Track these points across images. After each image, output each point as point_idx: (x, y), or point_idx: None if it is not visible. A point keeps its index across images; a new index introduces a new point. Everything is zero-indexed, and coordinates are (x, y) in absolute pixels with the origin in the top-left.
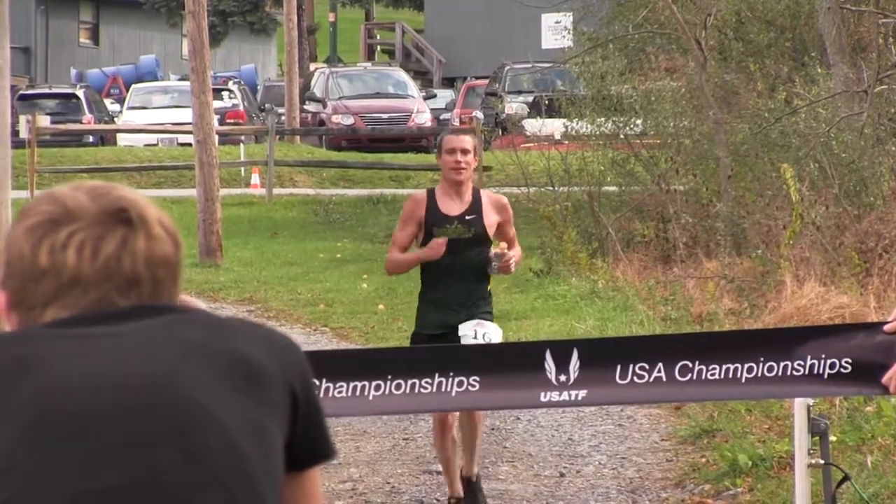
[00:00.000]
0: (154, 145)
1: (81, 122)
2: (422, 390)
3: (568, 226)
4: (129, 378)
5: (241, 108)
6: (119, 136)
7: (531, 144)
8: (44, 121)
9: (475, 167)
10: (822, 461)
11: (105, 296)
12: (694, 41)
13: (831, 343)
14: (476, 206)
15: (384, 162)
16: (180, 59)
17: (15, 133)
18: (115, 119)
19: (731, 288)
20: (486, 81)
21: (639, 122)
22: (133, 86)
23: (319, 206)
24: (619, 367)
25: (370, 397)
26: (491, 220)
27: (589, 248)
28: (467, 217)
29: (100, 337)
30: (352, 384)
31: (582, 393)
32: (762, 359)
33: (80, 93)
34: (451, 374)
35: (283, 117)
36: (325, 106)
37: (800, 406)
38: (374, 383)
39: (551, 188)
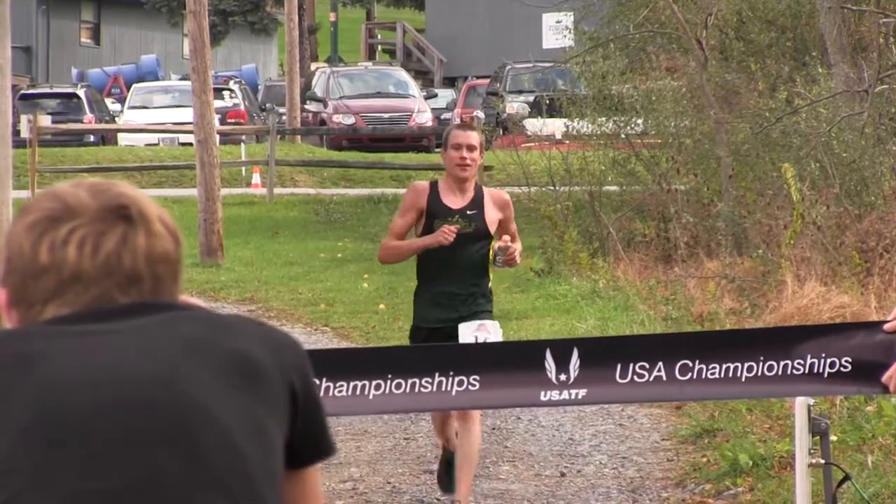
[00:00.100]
0: (155, 145)
1: (82, 122)
2: (422, 389)
3: (569, 225)
4: (130, 376)
5: (242, 107)
6: (120, 135)
7: (532, 144)
8: (45, 120)
9: (480, 164)
10: (822, 461)
11: (105, 292)
12: (695, 41)
13: (831, 342)
14: (478, 201)
15: (385, 161)
16: (181, 58)
17: (16, 133)
18: (116, 119)
19: (731, 287)
20: (487, 81)
21: (640, 121)
22: (134, 85)
23: (320, 206)
24: (619, 367)
25: (370, 396)
26: (492, 216)
27: (590, 247)
28: (469, 212)
29: (100, 334)
30: (352, 383)
31: (582, 392)
32: (762, 358)
33: (81, 92)
34: (452, 373)
35: (283, 117)
36: (326, 105)
37: (800, 406)
38: (374, 382)
39: (552, 188)
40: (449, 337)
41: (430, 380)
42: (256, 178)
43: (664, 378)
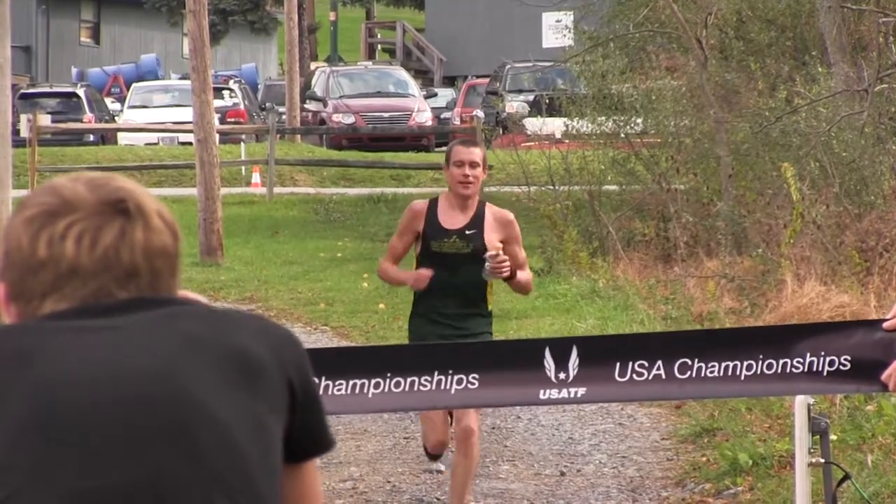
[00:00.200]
0: (155, 144)
1: (82, 121)
2: (421, 388)
3: (568, 225)
4: (129, 373)
5: (242, 107)
6: (120, 135)
7: (532, 143)
8: (45, 120)
9: (483, 179)
10: (822, 460)
11: (103, 287)
12: (694, 40)
13: (830, 340)
14: (478, 220)
15: (385, 161)
16: (181, 57)
17: (16, 132)
18: (116, 118)
19: (731, 287)
20: (487, 80)
21: (639, 121)
22: (134, 85)
23: (320, 205)
24: (618, 365)
25: (369, 395)
26: (492, 236)
27: (589, 247)
28: (467, 232)
29: (98, 330)
30: (351, 382)
31: (581, 390)
32: (761, 356)
33: (80, 92)
34: (451, 371)
35: (283, 116)
36: (325, 105)
37: (800, 405)
38: (373, 381)
39: (552, 187)
40: None
41: (429, 378)
42: (256, 178)
43: (663, 377)
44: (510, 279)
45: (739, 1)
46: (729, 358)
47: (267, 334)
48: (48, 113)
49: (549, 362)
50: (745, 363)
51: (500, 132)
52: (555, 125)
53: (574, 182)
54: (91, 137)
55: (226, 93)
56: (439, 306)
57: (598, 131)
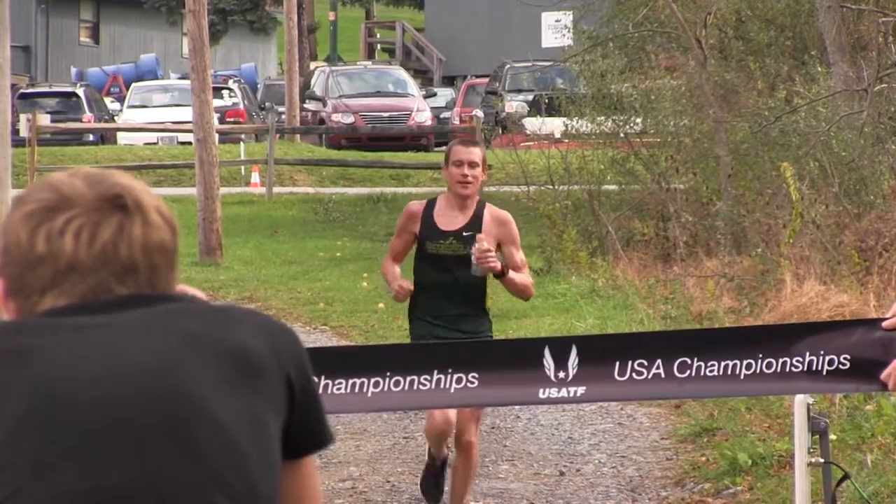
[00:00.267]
0: (154, 144)
1: (82, 121)
2: (421, 387)
3: (568, 224)
4: (128, 372)
5: (241, 106)
6: (119, 134)
7: (531, 143)
8: (44, 119)
9: (483, 179)
10: (821, 460)
11: (102, 282)
12: (694, 40)
13: (830, 339)
14: (476, 222)
15: (384, 160)
16: (180, 57)
17: (15, 132)
18: (116, 118)
19: (730, 286)
20: (487, 80)
21: (639, 120)
22: (133, 84)
23: (319, 205)
24: (617, 364)
25: (369, 394)
26: (491, 238)
27: (589, 246)
28: (465, 233)
29: (97, 328)
30: (350, 381)
31: (581, 390)
32: (761, 355)
33: (80, 91)
34: (450, 370)
35: (283, 116)
36: (325, 104)
37: (800, 404)
38: (372, 380)
39: (551, 187)
40: None
41: (428, 377)
42: (255, 177)
43: (663, 376)
44: (502, 276)
45: (739, 0)
46: (728, 357)
47: (265, 331)
48: (47, 113)
49: (548, 361)
50: (745, 362)
51: (500, 132)
52: (554, 125)
53: (573, 182)
54: (90, 137)
55: (225, 92)
56: (437, 309)
57: (598, 131)
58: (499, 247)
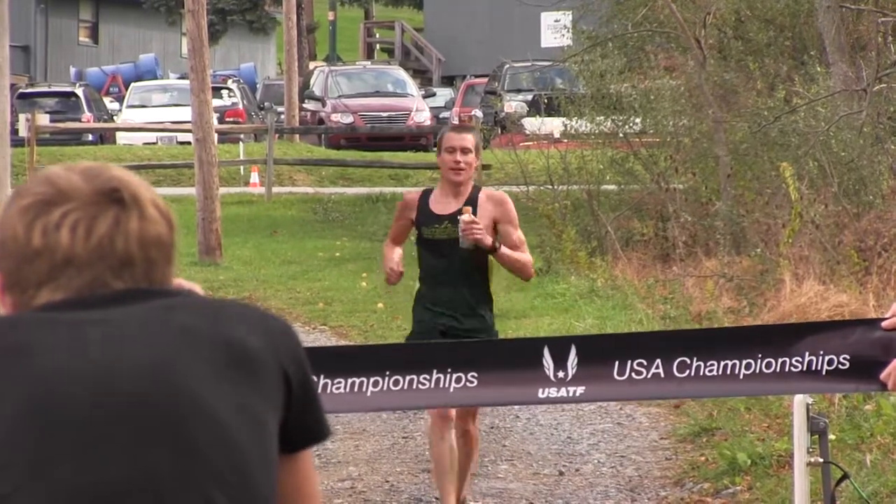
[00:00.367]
0: (153, 144)
1: (81, 121)
2: (420, 386)
3: (567, 224)
4: (125, 369)
5: (241, 106)
6: (118, 134)
7: (530, 143)
8: (43, 119)
9: (476, 166)
10: (821, 459)
11: (98, 276)
12: (693, 40)
13: (829, 339)
14: (471, 204)
15: (383, 160)
16: (179, 57)
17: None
18: (115, 118)
19: (730, 286)
20: (486, 80)
21: (638, 120)
22: (132, 84)
23: (318, 205)
24: (617, 364)
25: (368, 393)
26: (486, 218)
27: (588, 246)
28: (460, 216)
29: (94, 323)
30: (350, 380)
31: (580, 389)
32: (760, 355)
33: (79, 91)
34: (450, 370)
35: (282, 116)
36: (324, 104)
37: (799, 404)
38: (371, 379)
39: (550, 187)
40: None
41: (427, 377)
42: (255, 177)
43: (662, 375)
44: (495, 252)
45: (738, 0)
46: (727, 357)
47: (262, 325)
48: (47, 112)
49: (547, 361)
50: (744, 362)
51: (499, 132)
52: (553, 125)
53: (573, 182)
54: (90, 137)
55: (224, 92)
56: (437, 294)
57: (597, 131)
58: (497, 228)
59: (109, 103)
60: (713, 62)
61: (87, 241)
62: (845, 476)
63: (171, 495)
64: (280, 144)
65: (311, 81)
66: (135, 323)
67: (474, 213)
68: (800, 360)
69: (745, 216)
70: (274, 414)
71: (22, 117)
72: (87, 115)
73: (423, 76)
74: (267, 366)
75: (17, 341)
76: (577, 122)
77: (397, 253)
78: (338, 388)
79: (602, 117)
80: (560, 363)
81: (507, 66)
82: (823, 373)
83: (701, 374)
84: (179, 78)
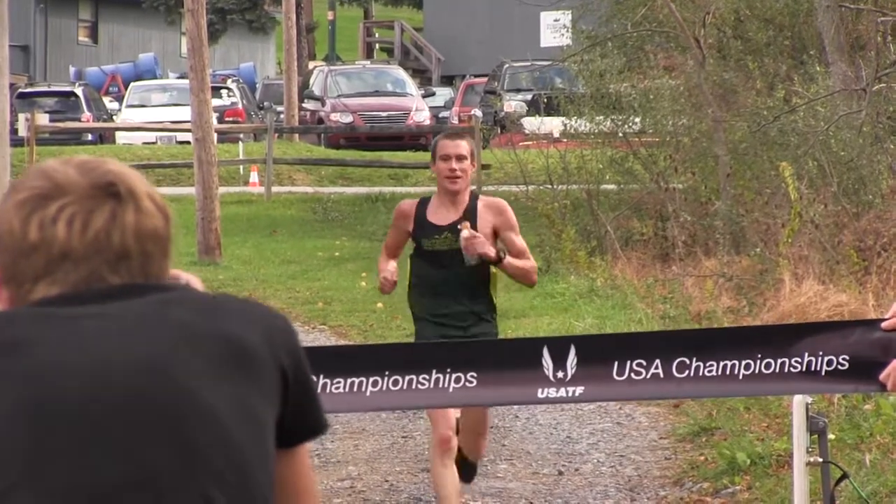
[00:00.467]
0: (153, 143)
1: (80, 121)
2: (419, 386)
3: (567, 224)
4: (121, 365)
5: (240, 106)
6: (118, 134)
7: (530, 142)
8: (42, 119)
9: (473, 173)
10: (820, 459)
11: (95, 270)
12: (692, 39)
13: (829, 340)
14: (470, 213)
15: (383, 160)
16: (179, 57)
17: (14, 131)
18: (114, 117)
19: (729, 286)
20: (485, 79)
21: (637, 120)
22: (132, 84)
23: (318, 205)
24: (616, 364)
25: (367, 393)
26: (486, 227)
27: (588, 246)
28: (459, 226)
29: (90, 318)
30: (349, 380)
31: (579, 389)
32: (759, 356)
33: (78, 91)
34: (449, 370)
35: (281, 115)
36: (323, 104)
37: (798, 404)
38: (371, 379)
39: (550, 186)
40: None
41: (427, 377)
42: (254, 177)
43: (662, 375)
44: (499, 262)
45: (737, 0)
46: (727, 357)
47: (259, 319)
48: (46, 112)
49: (547, 361)
50: (744, 362)
51: (499, 131)
52: (553, 124)
53: (572, 181)
54: (89, 136)
55: (224, 92)
56: (440, 306)
57: (597, 130)
58: (497, 236)
59: (109, 103)
60: (712, 62)
61: (84, 235)
62: (845, 476)
63: (170, 494)
64: (279, 144)
65: (311, 81)
66: (132, 318)
67: (473, 222)
68: (799, 360)
69: (745, 216)
70: (271, 410)
71: (21, 117)
72: (86, 114)
73: (422, 76)
74: (264, 361)
75: (14, 337)
76: (576, 122)
77: (391, 264)
78: (337, 388)
79: (601, 117)
80: (559, 363)
81: (507, 65)
82: (823, 373)
83: (700, 374)
84: (179, 77)
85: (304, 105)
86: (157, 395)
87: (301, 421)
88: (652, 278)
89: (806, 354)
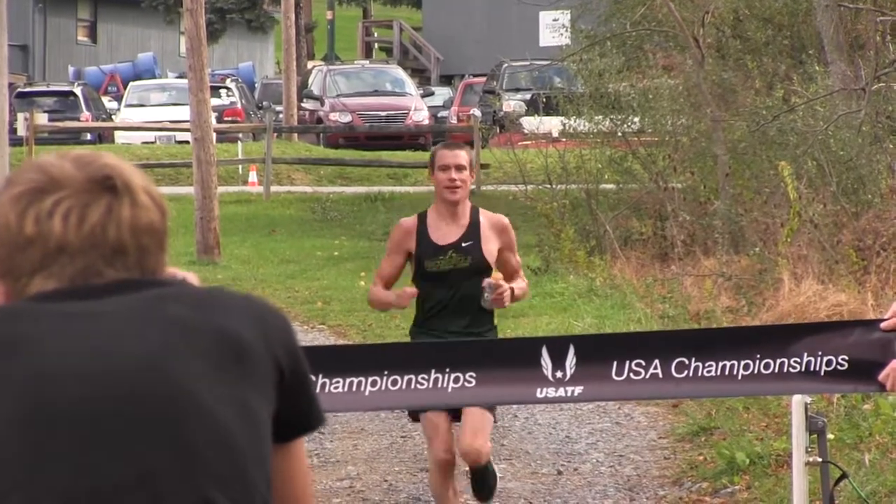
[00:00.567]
0: (152, 143)
1: (79, 120)
2: (418, 386)
3: (566, 223)
4: (118, 364)
5: (239, 105)
6: (117, 133)
7: (529, 142)
8: (41, 118)
9: (472, 183)
10: (819, 459)
11: (91, 264)
12: (692, 39)
13: (828, 340)
14: (474, 230)
15: (382, 160)
16: (178, 56)
17: (13, 131)
18: (113, 117)
19: (728, 286)
20: (484, 79)
21: (636, 119)
22: (131, 83)
23: (317, 204)
24: (615, 364)
25: (366, 393)
26: (491, 246)
27: (587, 245)
28: (463, 244)
29: (87, 316)
30: (348, 380)
31: (578, 389)
32: (759, 356)
33: (77, 90)
34: (448, 369)
35: (280, 115)
36: (322, 103)
37: (797, 404)
38: (370, 379)
39: (549, 186)
40: None
41: (426, 376)
42: (253, 176)
43: (661, 375)
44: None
45: (736, 0)
46: (726, 357)
47: (255, 314)
48: (45, 111)
49: (546, 361)
50: (743, 362)
51: (497, 131)
52: (552, 124)
53: (571, 181)
54: (88, 136)
55: (223, 91)
56: (443, 327)
57: (596, 130)
58: (500, 253)
59: (108, 102)
60: (711, 61)
61: (80, 228)
62: (844, 475)
63: (170, 496)
64: (278, 143)
65: (310, 80)
66: (127, 315)
67: (477, 240)
68: (798, 360)
69: (744, 215)
70: (268, 407)
71: (20, 116)
72: (85, 114)
73: (421, 75)
74: (260, 356)
75: (11, 336)
76: (575, 122)
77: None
78: (336, 388)
79: (600, 116)
80: (558, 363)
81: (506, 65)
82: (822, 373)
83: (699, 374)
84: (178, 77)
85: (302, 105)
86: (157, 396)
87: (297, 415)
88: (651, 278)
89: (805, 354)
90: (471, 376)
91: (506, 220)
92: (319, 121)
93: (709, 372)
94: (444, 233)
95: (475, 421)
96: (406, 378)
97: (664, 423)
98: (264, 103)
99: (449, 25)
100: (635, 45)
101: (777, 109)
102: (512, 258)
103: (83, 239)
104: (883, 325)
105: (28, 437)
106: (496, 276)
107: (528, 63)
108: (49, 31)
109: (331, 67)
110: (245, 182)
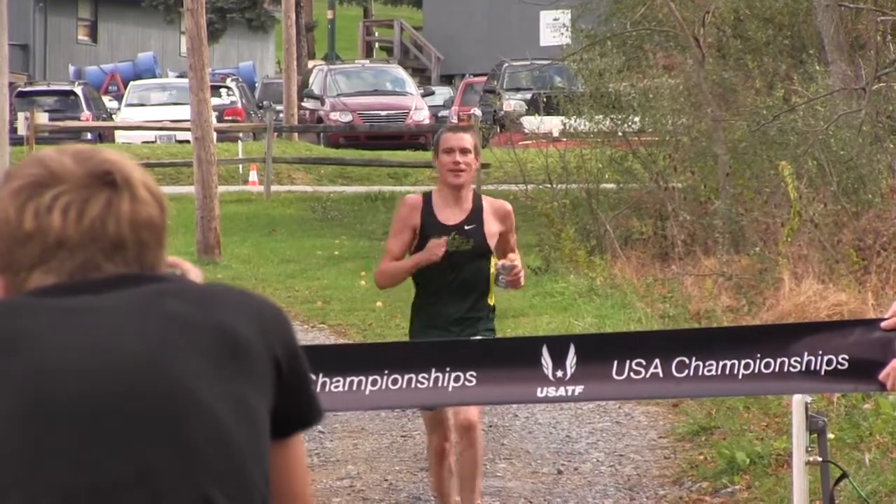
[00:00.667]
0: (152, 142)
1: (79, 120)
2: (418, 385)
3: (566, 223)
4: (116, 361)
5: (240, 105)
6: (117, 133)
7: (529, 142)
8: (42, 118)
9: (476, 167)
10: (820, 459)
11: (90, 259)
12: (692, 38)
13: (828, 339)
14: (477, 214)
15: (382, 159)
16: (178, 56)
17: (13, 130)
18: (114, 116)
19: (729, 285)
20: (485, 79)
21: (637, 119)
22: (131, 83)
23: (317, 204)
24: (615, 363)
25: (366, 392)
26: (492, 229)
27: (587, 245)
28: (466, 227)
29: (86, 312)
30: (348, 379)
31: (578, 388)
32: (759, 355)
33: (78, 90)
34: (448, 369)
35: (281, 114)
36: (323, 103)
37: (798, 403)
38: (370, 378)
39: (549, 185)
40: None
41: (426, 375)
42: (253, 176)
43: (661, 375)
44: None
45: None
46: (726, 356)
47: (253, 310)
48: (45, 111)
49: (546, 360)
50: (743, 362)
51: (498, 130)
52: (552, 123)
53: (572, 180)
54: (88, 135)
55: (223, 91)
56: (442, 309)
57: (596, 130)
58: (500, 235)
59: (108, 102)
60: (712, 61)
61: (79, 223)
62: (844, 475)
63: (169, 493)
64: (279, 143)
65: (310, 80)
66: (126, 310)
67: (480, 223)
68: (798, 360)
69: (744, 215)
70: (266, 403)
71: (21, 116)
72: (85, 113)
73: (421, 75)
74: (258, 353)
75: (10, 331)
76: (575, 121)
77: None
78: (336, 387)
79: (601, 116)
80: (559, 362)
81: (506, 64)
82: (822, 373)
83: (700, 374)
84: (178, 76)
85: (303, 104)
86: (156, 392)
87: (295, 411)
88: (651, 277)
89: (805, 354)
90: (471, 375)
91: (509, 206)
92: (320, 120)
93: (709, 371)
94: (448, 215)
95: (467, 413)
96: (406, 377)
97: (664, 423)
98: (265, 103)
99: (449, 25)
100: (636, 45)
101: (777, 109)
102: (511, 239)
103: (82, 233)
104: (883, 324)
105: (27, 433)
106: (511, 257)
107: (528, 63)
108: (49, 31)
109: (331, 67)
110: (245, 181)
